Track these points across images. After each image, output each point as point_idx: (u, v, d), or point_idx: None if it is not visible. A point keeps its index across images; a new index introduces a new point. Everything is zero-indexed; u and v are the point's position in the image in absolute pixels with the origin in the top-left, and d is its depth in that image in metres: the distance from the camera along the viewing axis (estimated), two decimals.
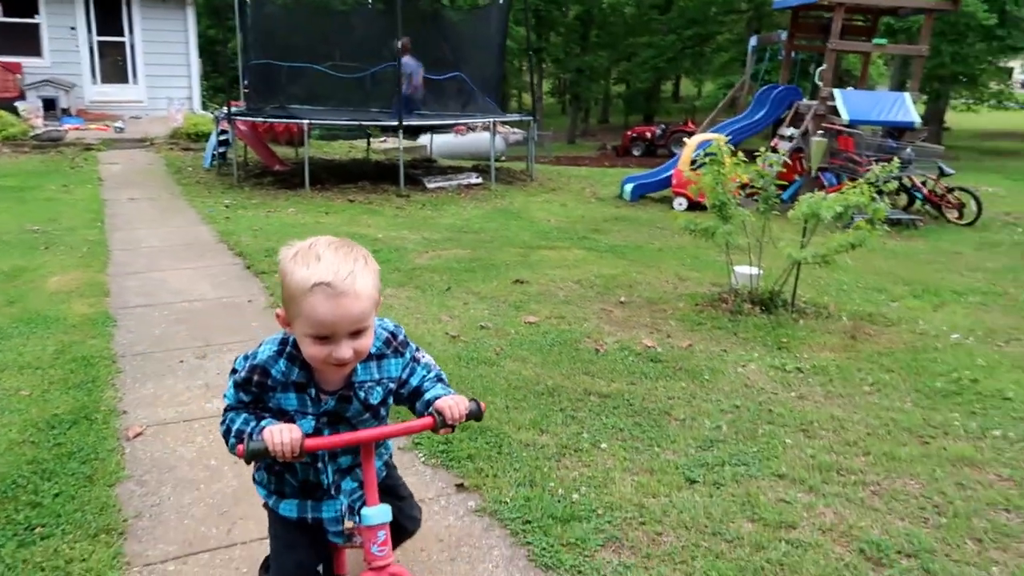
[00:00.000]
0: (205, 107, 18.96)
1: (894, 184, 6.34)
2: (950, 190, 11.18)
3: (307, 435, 1.73)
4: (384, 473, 2.05)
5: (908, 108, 11.20)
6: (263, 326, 5.30)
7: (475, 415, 1.79)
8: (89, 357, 4.52)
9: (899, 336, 5.51)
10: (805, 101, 12.09)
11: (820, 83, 11.85)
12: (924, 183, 11.18)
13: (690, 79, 42.36)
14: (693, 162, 7.70)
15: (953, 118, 32.84)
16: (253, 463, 1.92)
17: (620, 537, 2.80)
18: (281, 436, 1.65)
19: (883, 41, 12.95)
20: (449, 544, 2.77)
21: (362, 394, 1.82)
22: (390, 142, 17.09)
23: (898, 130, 11.59)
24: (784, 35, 13.20)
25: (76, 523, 2.81)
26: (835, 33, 11.49)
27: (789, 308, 5.91)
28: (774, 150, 10.79)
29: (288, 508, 1.94)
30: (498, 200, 11.86)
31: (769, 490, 3.18)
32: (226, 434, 1.80)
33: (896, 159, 6.70)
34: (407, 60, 12.36)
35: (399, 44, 11.67)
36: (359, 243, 1.73)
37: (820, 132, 11.18)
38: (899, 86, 23.28)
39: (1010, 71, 42.67)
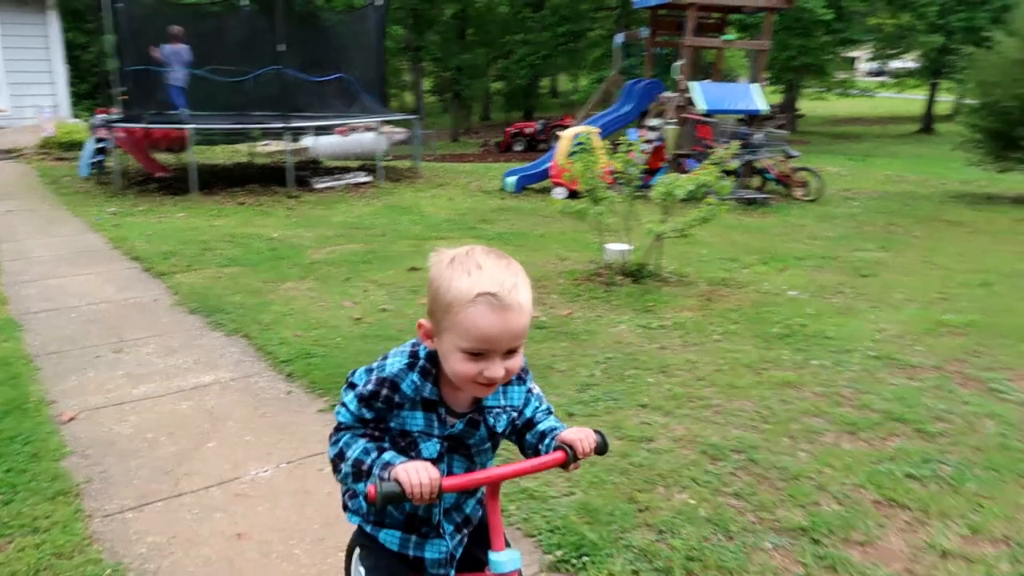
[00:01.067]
0: (76, 115, 18.29)
1: (736, 164, 7.21)
2: (796, 170, 12.48)
3: (431, 460, 1.57)
4: (480, 512, 1.79)
5: (756, 97, 12.42)
6: (174, 321, 5.60)
7: (601, 448, 1.63)
8: (5, 358, 4.71)
9: (747, 295, 6.40)
10: (667, 93, 13.15)
11: (678, 77, 12.93)
12: (774, 165, 12.42)
13: (566, 75, 43.81)
14: (571, 153, 8.43)
15: (806, 106, 35.53)
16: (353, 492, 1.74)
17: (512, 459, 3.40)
18: (419, 477, 1.44)
19: (731, 37, 14.19)
20: None
21: (491, 420, 1.65)
22: (272, 145, 17.11)
23: (751, 117, 12.83)
24: (646, 32, 14.24)
25: (32, 490, 3.15)
26: (689, 30, 12.59)
27: (655, 278, 6.71)
28: (644, 140, 11.75)
29: (390, 538, 1.74)
30: (388, 197, 12.28)
31: (634, 416, 3.87)
32: (338, 458, 1.60)
33: (735, 143, 7.63)
34: (173, 48, 12.40)
35: (170, 31, 11.91)
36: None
37: (672, 120, 12.22)
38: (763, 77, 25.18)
39: (853, 61, 46.55)
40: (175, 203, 11.18)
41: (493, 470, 1.56)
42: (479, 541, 1.72)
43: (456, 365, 1.47)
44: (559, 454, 1.59)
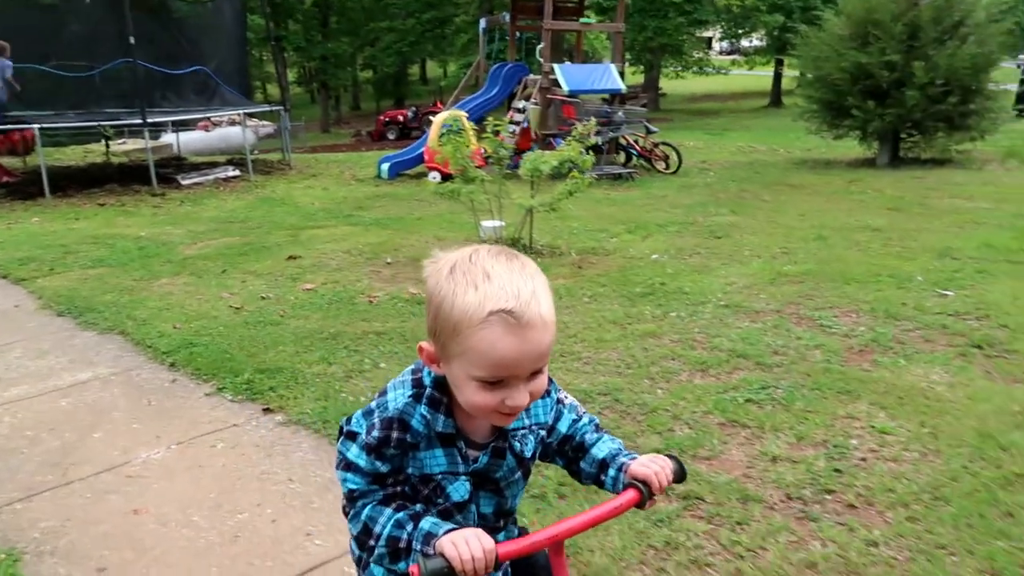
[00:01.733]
0: None
1: (596, 140, 7.66)
2: (657, 145, 13.22)
3: (463, 502, 1.34)
4: (516, 533, 1.50)
5: (614, 77, 13.04)
6: (41, 325, 5.45)
7: (680, 477, 1.37)
8: None
9: (614, 261, 6.85)
10: (532, 76, 13.57)
11: (541, 59, 13.37)
12: (636, 141, 13.10)
13: (435, 61, 43.77)
14: (441, 136, 8.65)
15: (667, 84, 37.17)
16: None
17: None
18: (470, 549, 1.16)
19: (588, 19, 14.79)
20: (264, 447, 3.44)
21: (517, 445, 1.38)
22: (130, 143, 16.36)
23: (612, 96, 13.45)
24: (508, 17, 14.60)
25: None
26: (548, 14, 13.05)
27: (529, 250, 7.06)
28: (511, 121, 12.11)
29: None
30: (259, 190, 12.09)
31: None
32: (364, 535, 1.29)
33: (594, 120, 8.09)
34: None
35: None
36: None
37: (533, 101, 12.67)
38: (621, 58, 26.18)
39: (709, 41, 49.02)
40: (27, 208, 10.61)
41: (558, 527, 1.25)
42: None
43: (471, 396, 1.20)
44: (632, 494, 1.31)
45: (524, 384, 1.19)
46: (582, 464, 1.45)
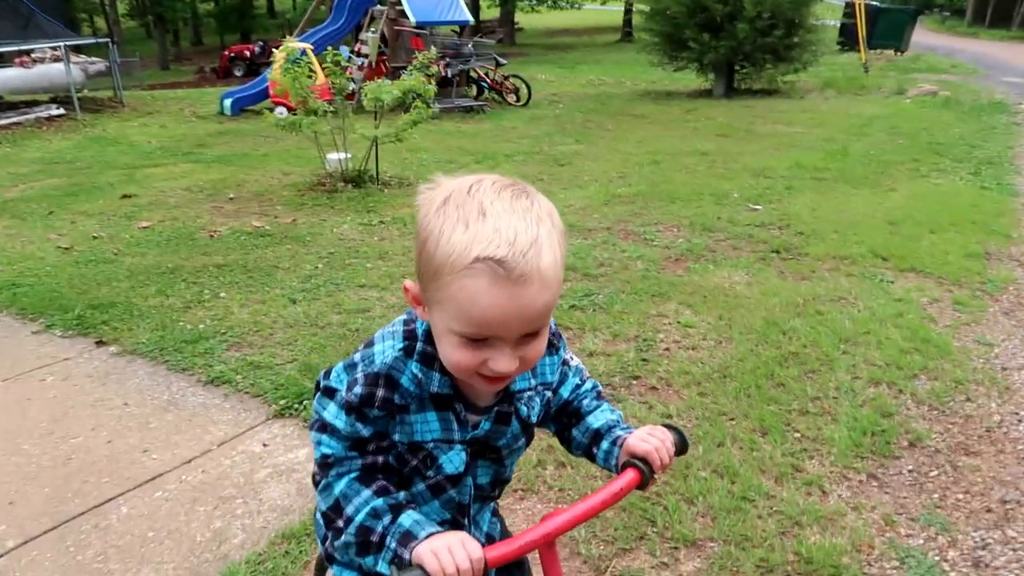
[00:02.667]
0: None
1: (435, 69, 7.72)
2: (506, 78, 13.38)
3: (458, 475, 1.18)
4: (498, 526, 1.38)
5: (462, 8, 13.00)
6: None
7: (681, 448, 1.23)
8: None
9: None
10: (378, 7, 13.28)
11: None
12: (487, 74, 13.20)
13: None
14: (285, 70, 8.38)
15: (524, 18, 37.19)
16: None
17: (240, 341, 3.71)
18: (454, 560, 0.99)
19: None
20: (98, 377, 3.43)
21: (524, 409, 1.22)
22: None
23: (461, 28, 13.42)
24: None
25: None
26: None
27: (376, 182, 7.11)
28: (358, 53, 11.87)
29: None
30: (88, 129, 11.32)
31: (353, 295, 4.31)
32: (334, 513, 1.12)
33: (434, 49, 8.13)
34: None
35: None
36: None
37: (372, 31, 12.47)
38: None
39: None
40: None
41: (553, 523, 1.08)
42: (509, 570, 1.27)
43: (449, 351, 1.03)
44: (632, 475, 1.16)
45: (511, 347, 1.00)
46: (574, 432, 1.29)
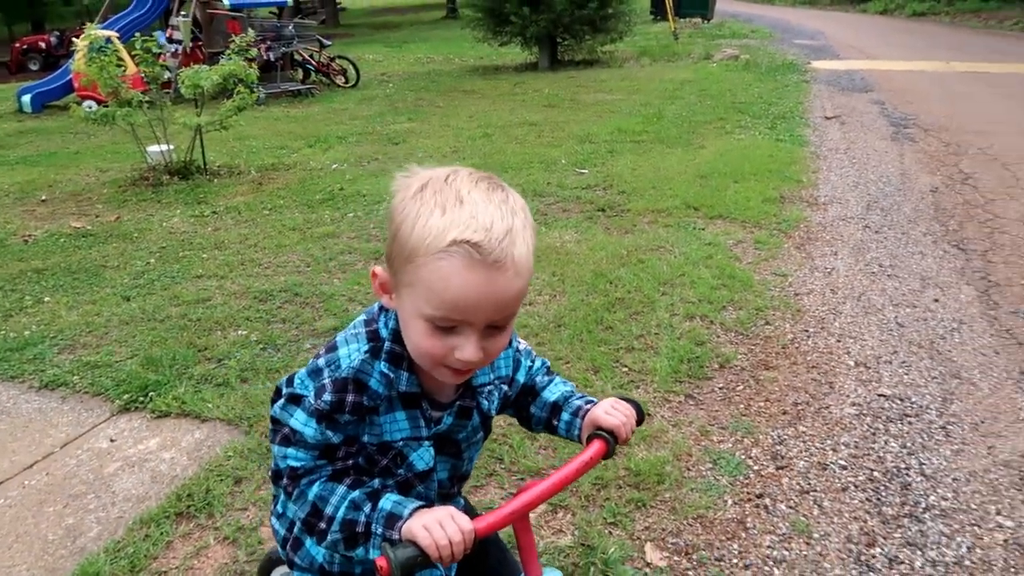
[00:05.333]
0: None
1: (255, 52, 7.53)
2: (333, 59, 13.16)
3: (426, 472, 1.21)
4: (463, 504, 1.42)
5: None
6: None
7: (640, 420, 1.28)
8: None
9: (294, 175, 6.95)
10: None
11: None
12: (312, 56, 12.92)
13: None
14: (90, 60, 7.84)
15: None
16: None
17: (73, 343, 3.58)
18: (446, 533, 1.01)
19: None
20: None
21: (485, 403, 1.25)
22: None
23: (280, 10, 13.02)
24: None
25: None
26: None
27: (203, 172, 6.88)
28: (170, 39, 11.27)
29: None
30: None
31: (191, 286, 4.23)
32: (313, 518, 1.12)
33: (252, 32, 7.93)
34: None
35: None
36: None
37: (183, 15, 11.90)
38: None
39: None
40: None
41: (532, 493, 1.12)
42: (477, 557, 1.21)
43: (417, 337, 1.05)
44: (599, 446, 1.20)
45: (478, 336, 1.02)
46: (532, 409, 1.33)
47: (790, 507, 2.46)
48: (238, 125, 6.99)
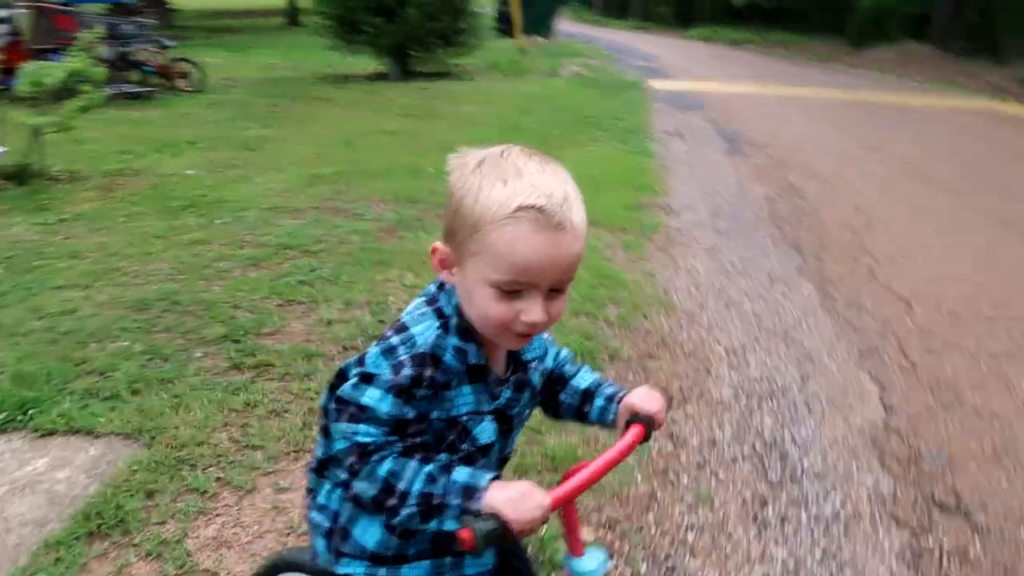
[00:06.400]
0: None
1: (104, 49, 7.06)
2: (175, 61, 12.48)
3: (488, 445, 1.22)
4: None
5: None
6: None
7: (668, 408, 1.35)
8: None
9: (146, 180, 6.56)
10: None
11: None
12: (151, 57, 12.17)
13: None
14: None
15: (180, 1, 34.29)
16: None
17: None
18: (527, 509, 1.05)
19: None
20: None
21: (535, 378, 1.30)
22: None
23: (116, 6, 12.18)
24: None
25: None
26: None
27: (42, 177, 6.34)
28: None
29: (416, 572, 1.28)
30: None
31: (51, 297, 3.92)
32: (384, 495, 1.12)
33: (99, 27, 7.45)
34: None
35: None
36: None
37: (22, 5, 10.94)
38: None
39: None
40: None
41: (585, 473, 1.17)
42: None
43: (483, 305, 1.09)
44: (637, 430, 1.25)
45: (543, 299, 1.08)
46: (562, 396, 1.36)
47: (692, 479, 2.70)
48: (78, 127, 6.49)
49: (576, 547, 1.23)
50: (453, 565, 1.28)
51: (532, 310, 1.08)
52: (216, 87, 12.76)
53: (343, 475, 1.16)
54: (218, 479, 2.53)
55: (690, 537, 2.40)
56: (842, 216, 6.49)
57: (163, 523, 2.32)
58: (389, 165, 7.11)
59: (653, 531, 2.41)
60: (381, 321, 3.72)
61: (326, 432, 1.25)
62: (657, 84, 15.14)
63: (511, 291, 1.07)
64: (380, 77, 14.36)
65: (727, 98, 13.72)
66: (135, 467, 2.54)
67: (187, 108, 10.80)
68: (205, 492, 2.46)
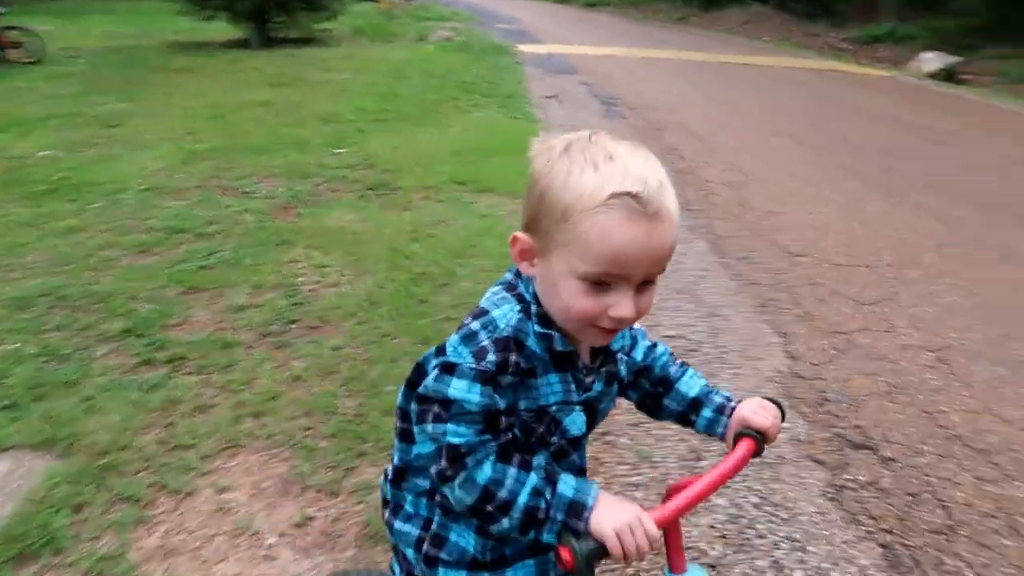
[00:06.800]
0: None
1: None
2: (6, 30, 11.28)
3: (579, 437, 1.15)
4: None
5: None
6: None
7: (782, 417, 1.26)
8: None
9: None
10: None
11: None
12: None
13: None
14: None
15: None
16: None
17: None
18: (633, 533, 1.00)
19: None
20: None
21: (623, 369, 1.23)
22: None
23: None
24: None
25: None
26: None
27: None
28: None
29: (524, 573, 1.20)
30: None
31: None
32: (483, 501, 1.05)
33: None
34: None
35: None
36: None
37: None
38: None
39: None
40: None
41: (694, 490, 1.09)
42: None
43: (569, 298, 1.02)
44: (748, 445, 1.18)
45: (633, 292, 1.01)
46: (666, 401, 1.28)
47: (630, 440, 2.80)
48: None
49: (678, 564, 1.18)
50: (557, 565, 1.17)
51: (622, 304, 1.01)
52: (55, 58, 11.69)
53: (427, 483, 1.10)
54: (151, 484, 2.38)
55: (637, 494, 2.50)
56: (721, 174, 6.82)
57: (97, 538, 2.16)
58: (270, 138, 6.78)
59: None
60: (296, 304, 3.59)
61: (405, 436, 1.18)
62: (526, 48, 15.19)
63: (600, 283, 1.00)
64: (240, 44, 13.59)
65: (596, 61, 13.97)
66: (54, 480, 2.35)
67: (25, 82, 9.84)
68: (139, 500, 2.31)
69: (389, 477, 1.24)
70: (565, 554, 0.98)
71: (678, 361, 1.31)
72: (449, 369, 1.04)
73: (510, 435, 1.08)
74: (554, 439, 1.13)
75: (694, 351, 3.52)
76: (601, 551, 0.99)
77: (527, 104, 9.32)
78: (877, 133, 9.19)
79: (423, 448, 1.09)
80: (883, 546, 2.37)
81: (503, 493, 1.04)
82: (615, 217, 0.96)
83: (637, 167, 0.99)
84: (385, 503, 1.27)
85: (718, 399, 1.26)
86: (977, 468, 2.77)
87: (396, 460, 1.22)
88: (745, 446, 1.17)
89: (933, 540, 2.41)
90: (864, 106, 11.16)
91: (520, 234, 1.07)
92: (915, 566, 2.29)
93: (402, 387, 1.17)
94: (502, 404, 1.05)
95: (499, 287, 1.13)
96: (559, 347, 1.09)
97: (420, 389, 1.08)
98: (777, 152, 7.86)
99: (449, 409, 1.03)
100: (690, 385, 1.28)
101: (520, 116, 8.44)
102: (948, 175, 7.15)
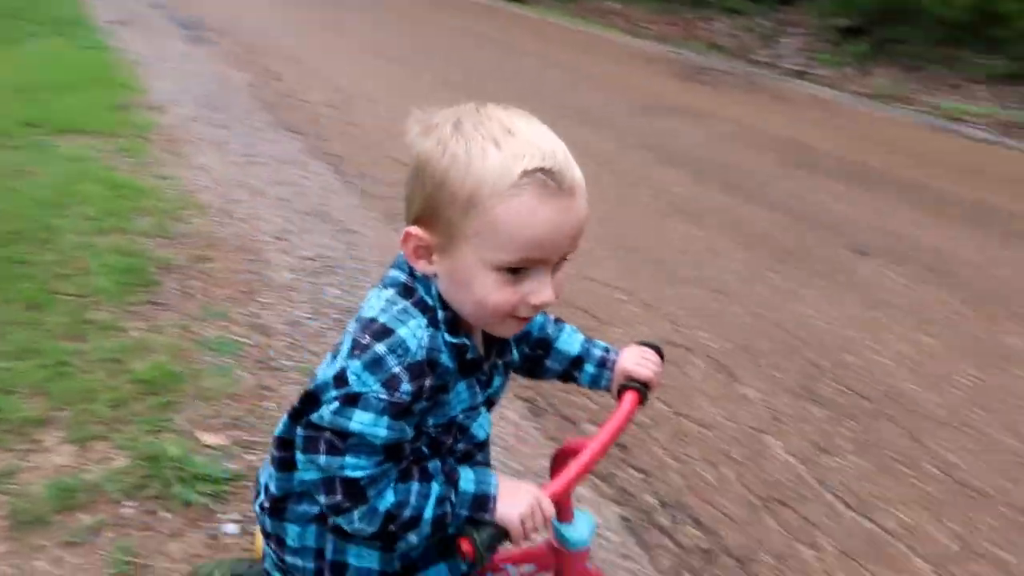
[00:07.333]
0: None
1: None
2: None
3: (484, 442, 1.12)
4: None
5: None
6: None
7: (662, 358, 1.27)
8: None
9: None
10: None
11: None
12: None
13: None
14: None
15: None
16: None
17: None
18: (530, 510, 0.96)
19: None
20: None
21: (515, 353, 1.14)
22: None
23: None
24: None
25: None
26: None
27: None
28: None
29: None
30: None
31: None
32: (388, 524, 0.95)
33: None
34: None
35: None
36: None
37: None
38: None
39: None
40: None
41: (587, 453, 1.08)
42: None
43: (484, 292, 0.93)
44: (634, 397, 1.19)
45: (551, 273, 0.94)
46: (548, 363, 1.24)
47: (292, 361, 2.85)
48: None
49: (566, 513, 1.18)
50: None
51: (542, 290, 0.94)
52: None
53: (315, 508, 1.04)
54: None
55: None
56: (324, 95, 6.85)
57: None
58: None
59: (276, 414, 2.52)
60: None
61: (285, 465, 1.08)
62: None
63: (516, 271, 0.93)
64: None
65: None
66: None
67: None
68: None
69: (266, 508, 1.14)
70: (466, 545, 0.96)
71: (552, 318, 1.28)
72: (352, 400, 0.93)
73: (410, 459, 1.02)
74: (460, 446, 1.09)
75: (336, 269, 3.64)
76: (500, 535, 0.99)
77: (94, 32, 8.22)
78: (462, 45, 9.97)
79: (307, 475, 1.01)
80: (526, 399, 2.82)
81: (408, 512, 0.99)
82: (529, 198, 0.88)
83: (541, 139, 0.91)
84: (267, 537, 1.18)
85: (598, 352, 1.26)
86: None
87: (275, 490, 1.12)
88: (630, 400, 1.19)
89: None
90: (446, 23, 11.95)
91: (412, 229, 0.96)
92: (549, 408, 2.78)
93: (284, 416, 1.07)
94: (410, 434, 0.98)
95: (391, 291, 1.01)
96: (471, 355, 1.03)
97: (313, 418, 0.97)
98: (380, 71, 8.11)
99: (346, 441, 0.94)
100: (570, 343, 1.26)
101: (90, 46, 7.43)
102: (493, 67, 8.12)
